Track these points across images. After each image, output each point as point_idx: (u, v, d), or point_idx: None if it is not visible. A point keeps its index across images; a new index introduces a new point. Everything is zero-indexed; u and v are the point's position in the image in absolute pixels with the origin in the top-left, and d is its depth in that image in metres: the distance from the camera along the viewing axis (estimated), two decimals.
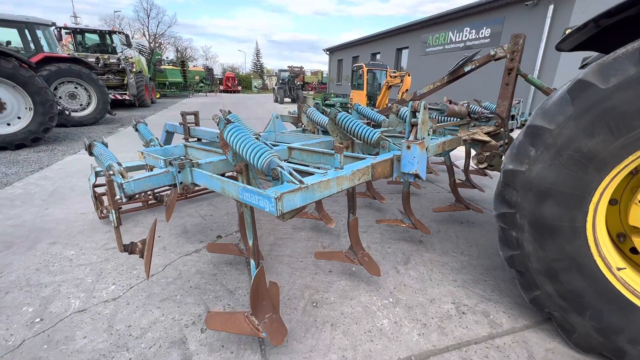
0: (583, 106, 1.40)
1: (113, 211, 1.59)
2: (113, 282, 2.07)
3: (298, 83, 23.15)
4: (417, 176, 1.57)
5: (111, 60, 11.75)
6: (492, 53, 2.68)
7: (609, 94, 1.33)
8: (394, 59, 15.87)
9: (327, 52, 27.10)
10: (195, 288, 2.05)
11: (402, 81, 8.97)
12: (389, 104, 3.79)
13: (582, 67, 2.26)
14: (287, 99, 22.24)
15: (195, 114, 2.65)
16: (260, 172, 1.34)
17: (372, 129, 1.91)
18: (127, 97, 11.60)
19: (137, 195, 1.83)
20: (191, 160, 1.58)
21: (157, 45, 46.23)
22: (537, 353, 1.63)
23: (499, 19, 9.71)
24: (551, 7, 7.98)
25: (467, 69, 2.91)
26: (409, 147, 1.54)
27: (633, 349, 1.45)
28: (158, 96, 20.05)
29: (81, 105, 8.33)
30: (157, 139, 2.45)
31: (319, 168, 1.49)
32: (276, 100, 22.47)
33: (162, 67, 23.65)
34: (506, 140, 2.65)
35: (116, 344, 1.60)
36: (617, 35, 1.62)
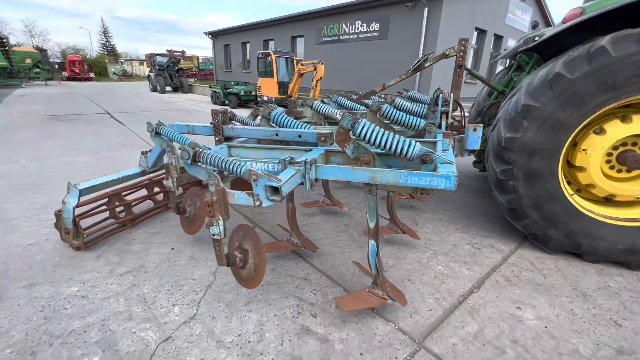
0: (559, 90, 2.11)
1: (222, 222, 1.46)
2: (172, 304, 1.80)
3: (179, 69, 20.76)
4: (472, 152, 2.00)
5: None
6: (447, 52, 3.35)
7: (574, 81, 2.07)
8: (290, 47, 16.21)
9: (210, 36, 25.07)
10: (268, 285, 2.00)
11: (315, 69, 9.45)
12: (353, 93, 4.14)
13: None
14: (168, 88, 19.67)
15: (224, 112, 2.37)
16: (404, 159, 1.45)
17: (417, 117, 2.23)
18: None
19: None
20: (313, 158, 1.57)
21: None
22: (533, 261, 2.38)
23: (385, 16, 11.29)
24: (426, 9, 9.90)
25: (427, 64, 3.53)
26: (475, 130, 1.96)
27: (585, 240, 2.32)
28: None
29: None
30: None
31: None
32: (155, 90, 19.61)
33: None
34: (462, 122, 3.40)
35: (245, 353, 1.50)
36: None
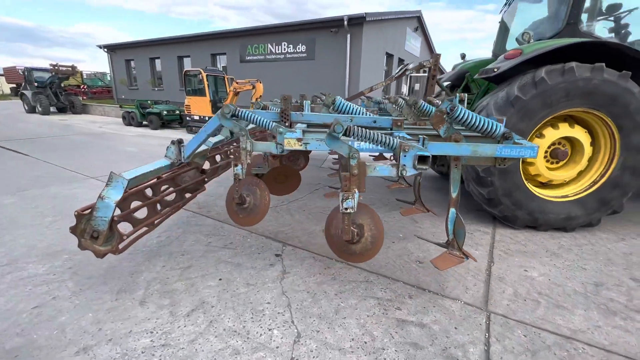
0: (518, 108, 2.89)
1: (357, 195, 1.60)
2: (268, 329, 1.78)
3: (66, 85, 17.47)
4: None
5: None
6: (425, 64, 4.04)
7: (527, 101, 2.87)
8: (210, 63, 15.63)
9: (106, 50, 22.06)
10: (341, 292, 2.12)
11: (254, 87, 9.45)
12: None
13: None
14: (52, 109, 16.32)
15: (287, 98, 2.30)
16: (483, 134, 1.80)
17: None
18: None
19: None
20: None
21: None
22: (510, 236, 3.10)
23: (311, 38, 12.10)
24: (348, 35, 11.08)
25: (409, 73, 4.16)
26: None
27: (540, 215, 3.15)
28: None
29: None
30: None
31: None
32: (34, 111, 16.17)
33: None
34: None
35: (369, 352, 1.63)
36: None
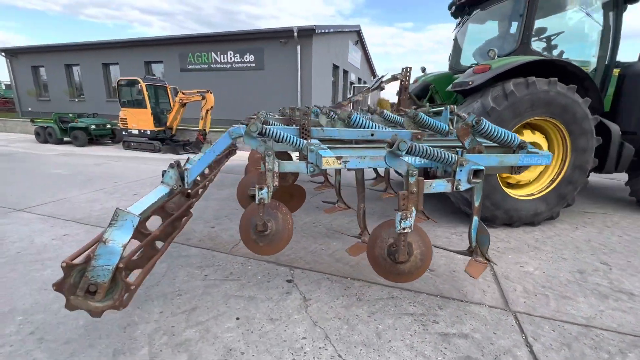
0: (493, 117, 3.17)
1: (414, 213, 1.53)
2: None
3: None
4: None
5: None
6: (397, 76, 4.19)
7: (501, 111, 3.17)
8: (145, 72, 14.22)
9: (4, 54, 18.60)
10: (373, 313, 2.02)
11: (204, 98, 8.81)
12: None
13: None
14: None
15: (307, 112, 2.11)
16: (501, 145, 1.90)
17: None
18: None
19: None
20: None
21: None
22: (494, 236, 3.36)
23: (259, 48, 11.85)
24: (298, 46, 11.12)
25: (383, 85, 4.27)
26: None
27: (514, 213, 3.48)
28: None
29: None
30: None
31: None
32: None
33: None
34: None
35: None
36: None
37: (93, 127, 10.60)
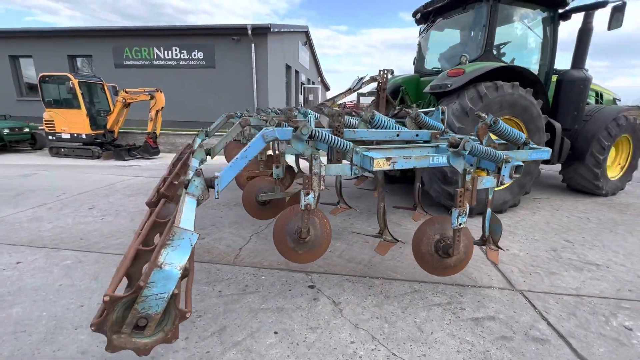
0: (472, 117, 3.49)
1: (468, 209, 1.60)
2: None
3: None
4: None
5: None
6: (376, 77, 4.30)
7: (478, 110, 3.50)
8: (68, 67, 12.33)
9: None
10: (404, 309, 2.07)
11: (153, 98, 7.95)
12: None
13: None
14: None
15: (340, 114, 2.03)
16: (511, 142, 2.11)
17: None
18: None
19: None
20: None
21: None
22: (475, 225, 3.70)
23: (209, 45, 11.12)
24: (252, 45, 10.72)
25: (364, 87, 4.35)
26: None
27: None
28: None
29: None
30: None
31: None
32: None
33: None
34: None
35: (478, 357, 1.66)
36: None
37: (6, 131, 8.89)
